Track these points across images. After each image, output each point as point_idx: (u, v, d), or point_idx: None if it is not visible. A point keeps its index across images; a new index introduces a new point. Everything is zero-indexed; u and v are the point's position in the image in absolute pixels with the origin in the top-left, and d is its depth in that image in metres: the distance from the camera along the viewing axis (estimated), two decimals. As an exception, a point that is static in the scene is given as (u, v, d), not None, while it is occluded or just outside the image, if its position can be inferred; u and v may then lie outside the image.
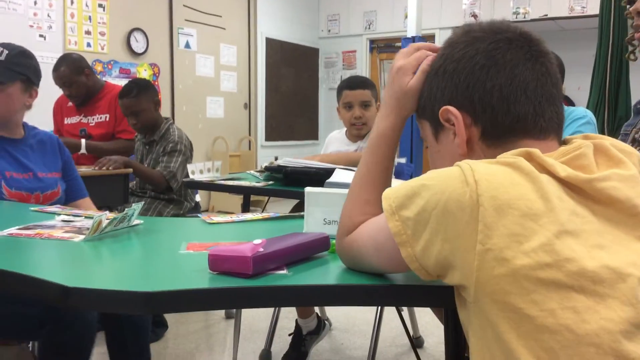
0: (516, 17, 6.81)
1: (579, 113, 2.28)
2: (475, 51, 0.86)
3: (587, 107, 4.51)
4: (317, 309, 2.89)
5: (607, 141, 0.82)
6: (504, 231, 0.70)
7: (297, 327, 2.59)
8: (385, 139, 1.00)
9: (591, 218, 0.73)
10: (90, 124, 3.38)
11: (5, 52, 1.87)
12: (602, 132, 4.69)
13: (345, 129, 2.81)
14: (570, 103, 6.92)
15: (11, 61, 1.87)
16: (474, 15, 7.07)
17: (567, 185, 0.75)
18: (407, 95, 0.97)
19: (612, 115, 4.67)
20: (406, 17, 6.30)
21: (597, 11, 5.26)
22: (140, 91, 2.99)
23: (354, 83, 2.71)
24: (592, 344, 0.67)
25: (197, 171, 2.65)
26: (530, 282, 0.68)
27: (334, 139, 2.86)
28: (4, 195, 1.81)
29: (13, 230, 1.26)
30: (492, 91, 0.84)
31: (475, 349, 0.77)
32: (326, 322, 2.70)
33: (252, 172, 2.88)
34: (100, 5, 5.32)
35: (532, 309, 0.68)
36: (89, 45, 5.22)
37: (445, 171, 0.78)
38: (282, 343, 2.68)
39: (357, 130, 2.68)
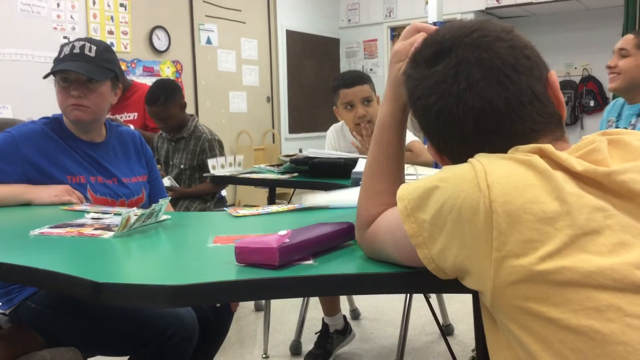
0: (539, -1, 6.66)
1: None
2: (427, 96, 0.85)
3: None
4: (343, 308, 2.88)
5: (631, 136, 0.79)
6: (520, 237, 0.68)
7: (324, 324, 2.60)
8: (385, 127, 0.99)
9: (614, 211, 0.70)
10: (119, 122, 3.44)
11: (94, 47, 1.72)
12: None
13: (342, 122, 2.64)
14: (597, 84, 6.77)
15: (101, 57, 1.73)
16: (496, -1, 6.95)
17: (584, 180, 0.73)
18: (400, 83, 0.94)
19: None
20: (427, 2, 6.23)
21: (623, -12, 5.14)
22: (168, 98, 3.03)
23: (350, 80, 2.49)
24: (620, 342, 0.65)
25: (219, 166, 2.64)
26: (550, 286, 0.67)
27: (339, 135, 2.67)
28: (90, 201, 1.72)
29: (45, 229, 1.29)
30: (445, 137, 0.86)
31: (493, 350, 0.77)
32: (352, 329, 2.69)
33: (263, 166, 2.83)
34: (121, 5, 5.37)
35: (554, 312, 0.67)
36: (112, 44, 5.27)
37: (458, 171, 0.77)
38: (311, 334, 2.69)
39: (365, 130, 2.46)
